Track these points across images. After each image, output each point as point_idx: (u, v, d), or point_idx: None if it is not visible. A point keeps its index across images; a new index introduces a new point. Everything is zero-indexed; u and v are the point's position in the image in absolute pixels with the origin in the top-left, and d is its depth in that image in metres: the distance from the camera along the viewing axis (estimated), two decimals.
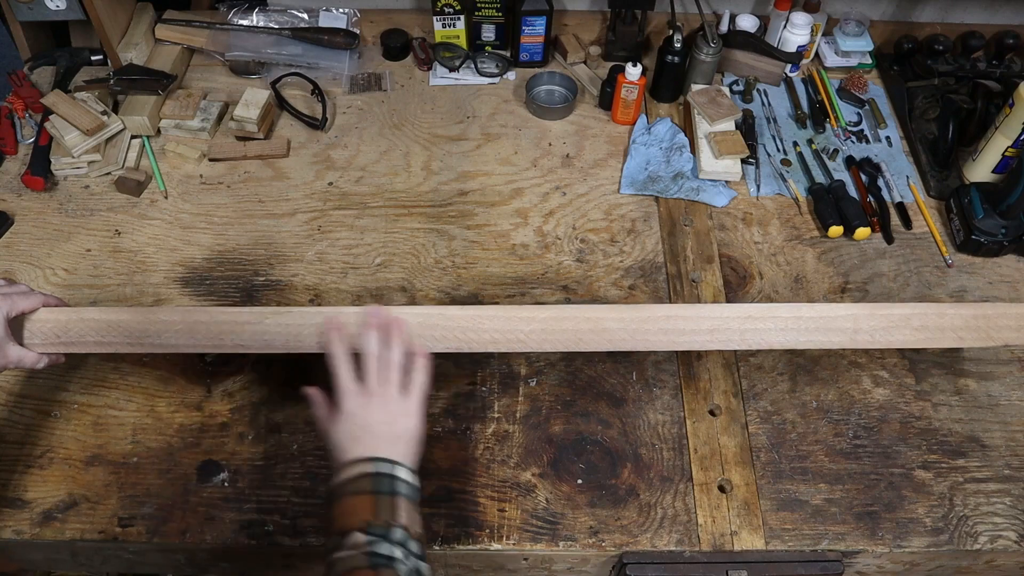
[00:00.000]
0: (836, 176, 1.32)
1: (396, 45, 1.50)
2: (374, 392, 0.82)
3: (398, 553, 0.72)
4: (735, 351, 1.10)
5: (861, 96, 1.45)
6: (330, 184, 1.30)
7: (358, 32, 1.50)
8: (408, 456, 0.80)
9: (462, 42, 1.49)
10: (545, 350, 0.93)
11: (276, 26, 1.47)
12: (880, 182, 1.32)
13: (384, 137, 1.38)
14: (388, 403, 0.82)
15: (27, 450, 0.99)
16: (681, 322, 0.92)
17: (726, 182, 1.31)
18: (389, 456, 0.78)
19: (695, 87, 1.40)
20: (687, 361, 1.08)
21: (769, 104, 1.45)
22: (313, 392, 0.85)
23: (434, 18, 1.45)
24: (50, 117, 1.27)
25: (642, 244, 1.22)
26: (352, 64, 1.48)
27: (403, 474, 0.78)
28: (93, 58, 1.42)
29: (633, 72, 1.33)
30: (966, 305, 0.94)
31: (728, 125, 1.35)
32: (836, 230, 1.23)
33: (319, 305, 1.14)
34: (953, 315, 0.92)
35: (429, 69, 1.50)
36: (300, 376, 1.03)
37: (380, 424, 0.81)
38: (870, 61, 1.51)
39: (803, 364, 1.09)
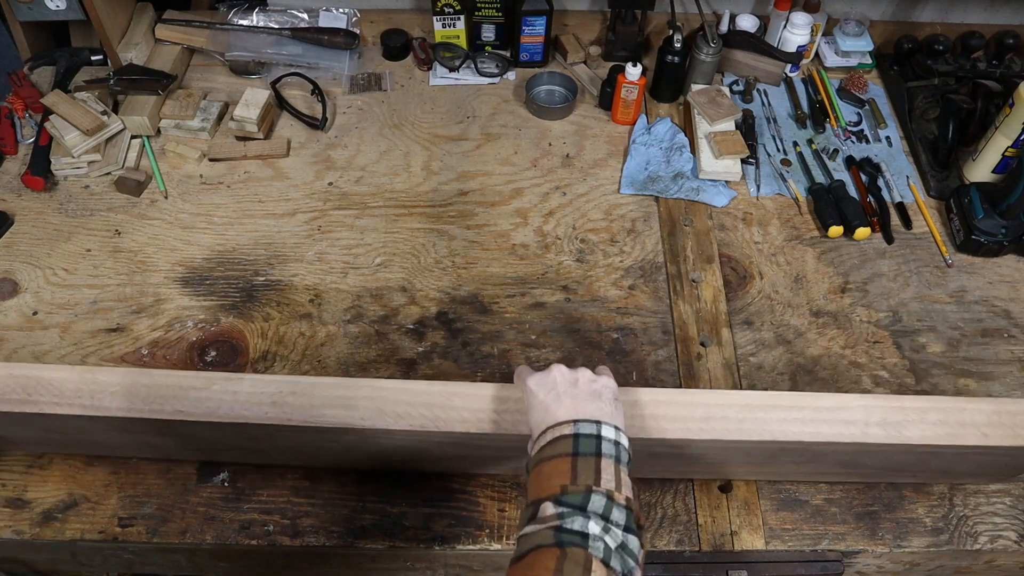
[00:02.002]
0: (836, 176, 1.32)
1: (396, 45, 1.50)
2: (556, 368, 0.78)
3: (594, 528, 0.63)
4: (735, 351, 1.10)
5: (861, 96, 1.45)
6: (330, 184, 1.30)
7: (358, 32, 1.50)
8: (613, 416, 0.73)
9: (462, 42, 1.49)
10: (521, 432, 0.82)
11: (276, 26, 1.47)
12: (880, 182, 1.32)
13: (384, 137, 1.38)
14: (580, 381, 0.76)
15: (27, 450, 0.99)
16: (672, 408, 0.83)
17: (726, 182, 1.31)
18: (592, 415, 0.71)
19: (695, 87, 1.40)
20: (687, 361, 1.09)
21: (769, 104, 1.45)
22: (523, 367, 0.81)
23: (434, 18, 1.45)
24: (50, 117, 1.27)
25: (642, 244, 1.22)
26: (352, 64, 1.48)
27: (609, 433, 0.70)
28: (93, 58, 1.42)
29: (633, 72, 1.33)
30: (986, 401, 0.85)
31: (728, 125, 1.35)
32: (836, 230, 1.23)
33: (319, 305, 1.14)
34: (973, 410, 0.83)
35: (429, 69, 1.50)
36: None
37: (576, 390, 0.74)
38: (870, 61, 1.51)
39: (803, 364, 1.09)
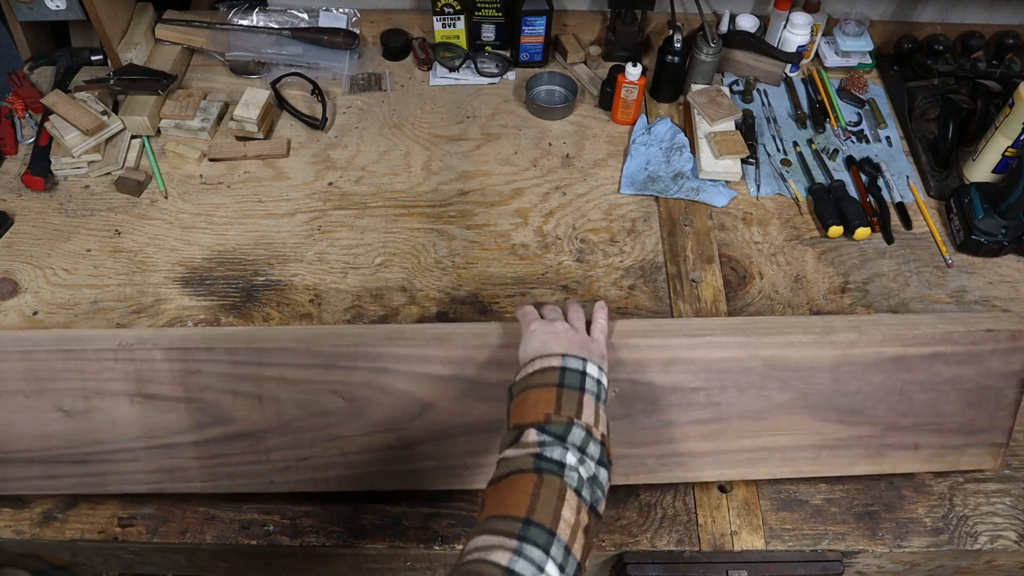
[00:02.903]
0: (836, 176, 1.32)
1: (396, 45, 1.50)
2: (561, 320, 0.84)
3: (571, 459, 0.68)
4: None
5: (861, 96, 1.45)
6: (330, 184, 1.30)
7: (358, 32, 1.50)
8: (601, 358, 0.79)
9: (462, 42, 1.49)
10: None
11: (276, 26, 1.47)
12: (880, 182, 1.32)
13: (384, 137, 1.38)
14: (578, 333, 0.82)
15: None
16: (657, 337, 0.92)
17: (726, 182, 1.31)
18: (580, 355, 0.76)
19: (695, 87, 1.40)
20: None
21: (769, 104, 1.45)
22: (528, 307, 0.86)
23: (434, 18, 1.45)
24: (50, 117, 1.27)
25: (642, 244, 1.22)
26: (352, 64, 1.48)
27: (593, 371, 0.75)
28: (93, 58, 1.42)
29: (633, 72, 1.33)
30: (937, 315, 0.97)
31: (728, 125, 1.35)
32: (836, 230, 1.23)
33: (319, 305, 1.14)
34: (927, 322, 0.95)
35: (429, 69, 1.50)
36: None
37: (567, 332, 0.81)
38: (870, 61, 1.51)
39: None
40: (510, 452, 0.69)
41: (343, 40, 1.46)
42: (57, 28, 1.48)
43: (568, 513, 0.64)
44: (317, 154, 1.35)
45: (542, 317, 0.86)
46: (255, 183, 1.30)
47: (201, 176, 1.31)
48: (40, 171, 1.26)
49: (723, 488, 0.98)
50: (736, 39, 1.45)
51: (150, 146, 1.34)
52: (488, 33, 1.48)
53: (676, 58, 1.38)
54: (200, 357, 0.90)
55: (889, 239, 1.24)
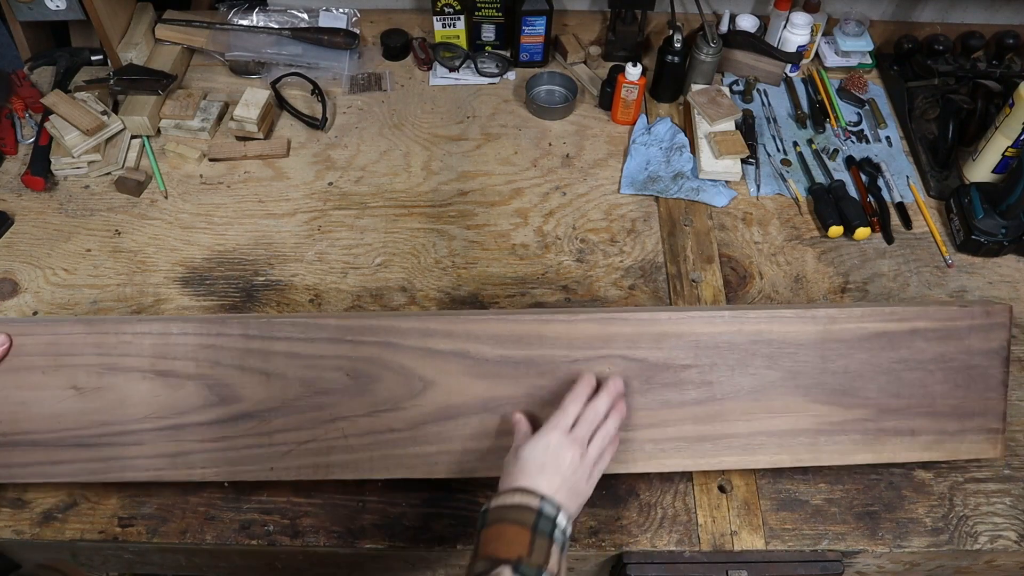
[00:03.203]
0: (836, 176, 1.32)
1: (396, 45, 1.50)
2: (580, 444, 0.83)
3: None
4: None
5: (861, 96, 1.45)
6: (330, 184, 1.30)
7: (358, 32, 1.50)
8: (574, 512, 0.81)
9: (462, 42, 1.49)
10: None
11: (276, 26, 1.47)
12: (880, 182, 1.32)
13: (384, 137, 1.38)
14: (584, 464, 0.83)
15: None
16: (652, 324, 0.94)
17: (726, 182, 1.31)
18: (559, 502, 0.78)
19: (695, 87, 1.40)
20: None
21: (769, 104, 1.45)
22: (522, 418, 0.88)
23: (434, 18, 1.45)
24: (50, 117, 1.27)
25: (642, 244, 1.22)
26: (352, 64, 1.48)
27: (562, 522, 0.78)
28: (93, 58, 1.42)
29: (633, 72, 1.33)
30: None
31: (728, 125, 1.35)
32: (836, 230, 1.23)
33: (319, 305, 1.14)
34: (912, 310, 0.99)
35: (429, 69, 1.50)
36: None
37: (569, 471, 0.81)
38: (870, 61, 1.51)
39: None
40: None
41: (343, 40, 1.46)
42: (57, 28, 1.48)
43: None
44: (317, 154, 1.35)
45: (581, 416, 0.86)
46: (255, 183, 1.30)
47: (201, 176, 1.31)
48: (40, 171, 1.26)
49: (723, 488, 0.98)
50: (736, 39, 1.45)
51: (150, 146, 1.34)
52: (488, 33, 1.48)
53: (676, 58, 1.38)
54: (213, 331, 0.93)
55: (889, 239, 1.24)
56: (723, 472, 0.99)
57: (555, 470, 0.80)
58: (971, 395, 0.95)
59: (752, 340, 0.94)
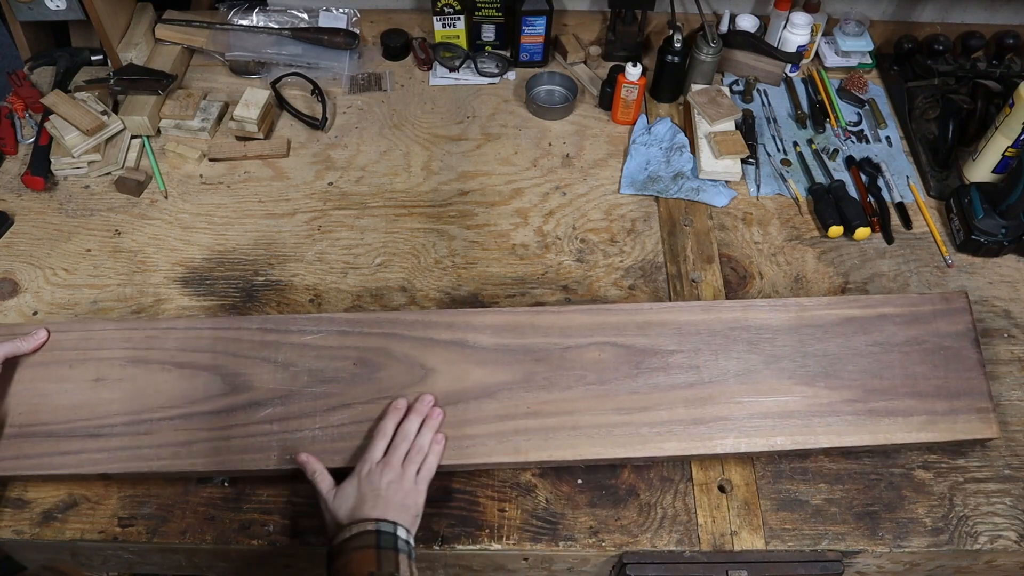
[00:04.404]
0: (836, 176, 1.32)
1: (396, 45, 1.50)
2: (395, 468, 0.89)
3: None
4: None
5: (861, 96, 1.45)
6: (330, 184, 1.30)
7: (358, 32, 1.50)
8: (411, 525, 0.86)
9: (462, 42, 1.49)
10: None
11: (276, 26, 1.47)
12: (880, 182, 1.32)
13: (384, 137, 1.38)
14: (404, 481, 0.88)
15: None
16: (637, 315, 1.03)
17: (726, 182, 1.31)
18: (391, 519, 0.83)
19: (695, 87, 1.40)
20: None
21: (769, 104, 1.45)
22: (308, 459, 0.90)
23: (434, 18, 1.45)
24: (50, 117, 1.27)
25: (642, 244, 1.22)
26: (352, 64, 1.48)
27: (404, 535, 0.83)
28: (93, 58, 1.42)
29: (633, 72, 1.33)
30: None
31: (728, 125, 1.35)
32: (836, 230, 1.23)
33: (319, 305, 1.14)
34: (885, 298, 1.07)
35: (429, 69, 1.50)
36: None
37: (392, 495, 0.86)
38: (870, 61, 1.51)
39: None
40: None
41: (343, 40, 1.46)
42: (57, 28, 1.48)
43: None
44: (317, 154, 1.35)
45: (393, 442, 0.91)
46: (255, 183, 1.30)
47: (201, 176, 1.31)
48: (40, 171, 1.26)
49: (723, 488, 0.98)
50: (736, 39, 1.45)
51: (150, 146, 1.34)
52: (488, 33, 1.48)
53: (676, 58, 1.38)
54: (235, 324, 1.01)
55: (889, 239, 1.24)
56: (721, 460, 0.99)
57: (375, 496, 0.85)
58: (951, 375, 0.99)
59: (730, 327, 1.02)
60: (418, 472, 0.90)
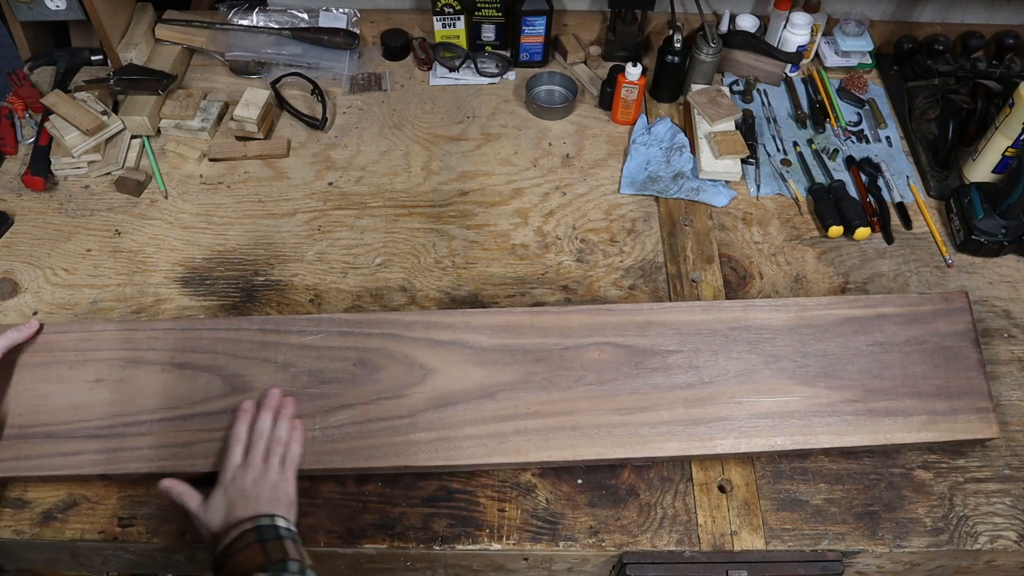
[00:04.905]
0: (836, 176, 1.32)
1: (396, 45, 1.50)
2: (257, 465, 0.89)
3: None
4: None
5: (861, 96, 1.45)
6: (330, 184, 1.30)
7: (358, 32, 1.50)
8: (287, 513, 0.86)
9: (462, 42, 1.49)
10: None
11: (276, 26, 1.47)
12: (880, 182, 1.32)
13: (384, 137, 1.38)
14: (269, 474, 0.88)
15: None
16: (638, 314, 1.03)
17: (726, 182, 1.31)
18: (267, 512, 0.84)
19: (695, 87, 1.40)
20: None
21: (769, 104, 1.45)
22: (171, 483, 0.89)
23: (434, 18, 1.45)
24: (50, 117, 1.27)
25: (642, 244, 1.22)
26: (352, 64, 1.48)
27: (283, 523, 0.83)
28: (93, 58, 1.42)
29: (633, 72, 1.33)
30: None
31: (728, 125, 1.35)
32: (836, 230, 1.23)
33: (319, 305, 1.14)
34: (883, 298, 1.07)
35: (429, 69, 1.50)
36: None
37: (260, 491, 0.86)
38: (870, 61, 1.51)
39: None
40: None
41: (343, 40, 1.46)
42: (57, 28, 1.48)
43: None
44: (317, 154, 1.35)
45: (249, 442, 0.91)
46: (255, 183, 1.30)
47: (201, 176, 1.31)
48: (40, 171, 1.26)
49: (723, 488, 0.98)
50: (736, 39, 1.45)
51: (150, 146, 1.34)
52: (488, 33, 1.48)
53: (676, 58, 1.38)
54: (234, 325, 1.01)
55: (889, 239, 1.24)
56: (721, 460, 0.99)
57: (244, 498, 0.85)
58: (952, 375, 0.99)
59: (730, 327, 1.02)
60: (283, 463, 0.90)
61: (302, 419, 0.94)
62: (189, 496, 0.88)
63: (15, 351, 0.99)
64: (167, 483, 0.89)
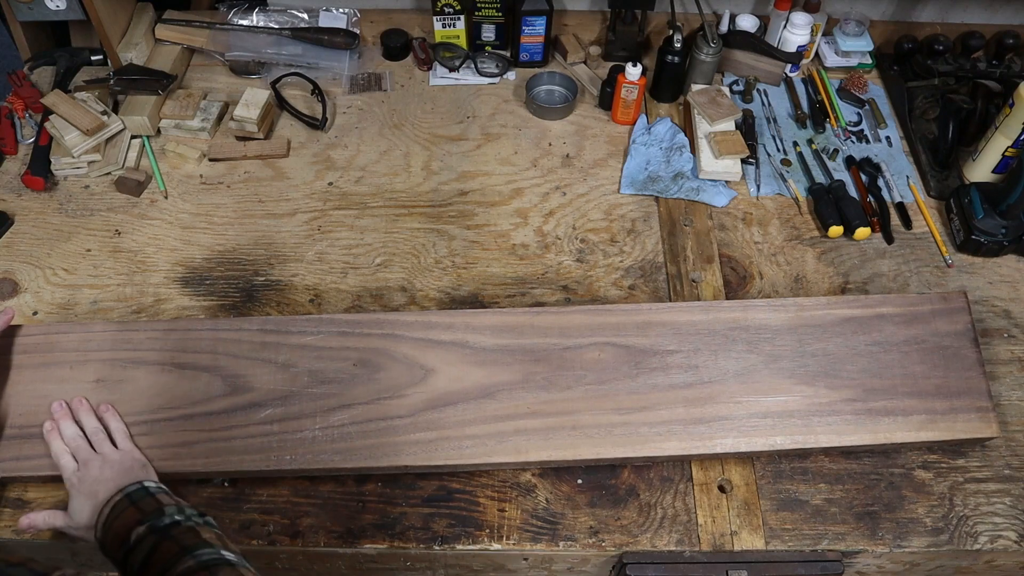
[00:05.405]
0: (836, 176, 1.32)
1: (396, 45, 1.50)
2: (92, 458, 0.90)
3: (178, 516, 0.79)
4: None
5: (861, 96, 1.45)
6: (330, 184, 1.30)
7: (358, 32, 1.50)
8: (147, 476, 0.88)
9: (462, 42, 1.49)
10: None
11: (276, 26, 1.47)
12: (880, 182, 1.32)
13: (384, 137, 1.38)
14: (108, 456, 0.90)
15: None
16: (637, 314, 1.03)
17: (726, 182, 1.31)
18: (127, 482, 0.85)
19: (695, 87, 1.40)
20: None
21: (769, 104, 1.45)
22: (29, 518, 0.89)
23: (434, 18, 1.45)
24: (50, 117, 1.27)
25: (642, 244, 1.22)
26: (352, 64, 1.48)
27: (149, 484, 0.85)
28: (93, 58, 1.42)
29: (633, 72, 1.33)
30: None
31: (728, 125, 1.35)
32: (836, 230, 1.23)
33: (319, 305, 1.14)
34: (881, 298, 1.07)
35: (429, 69, 1.50)
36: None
37: (109, 471, 0.88)
38: (870, 61, 1.51)
39: None
40: (133, 558, 0.77)
41: (343, 40, 1.46)
42: (57, 28, 1.48)
43: (209, 534, 0.78)
44: (317, 154, 1.35)
45: (73, 448, 0.91)
46: (255, 183, 1.30)
47: (201, 176, 1.31)
48: (40, 171, 1.26)
49: (723, 488, 0.98)
50: (736, 39, 1.45)
51: (150, 146, 1.34)
52: (488, 33, 1.48)
53: (676, 58, 1.38)
54: (235, 326, 1.01)
55: (889, 239, 1.24)
56: (721, 460, 0.99)
57: (98, 484, 0.86)
58: (951, 374, 1.00)
59: (729, 327, 1.02)
60: (113, 443, 0.92)
61: (115, 406, 0.96)
62: (52, 516, 0.89)
63: (9, 350, 0.99)
64: (25, 521, 0.89)
